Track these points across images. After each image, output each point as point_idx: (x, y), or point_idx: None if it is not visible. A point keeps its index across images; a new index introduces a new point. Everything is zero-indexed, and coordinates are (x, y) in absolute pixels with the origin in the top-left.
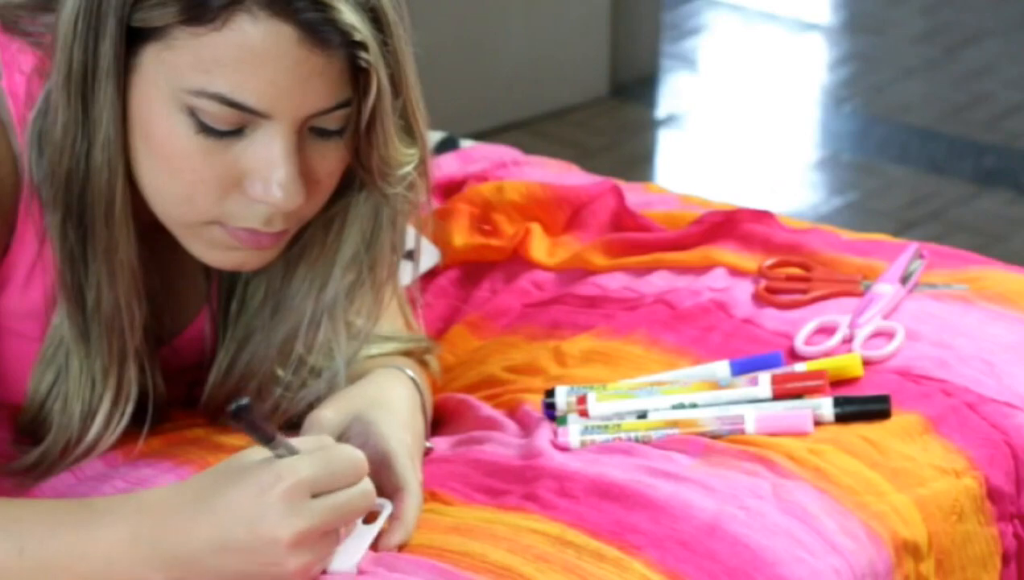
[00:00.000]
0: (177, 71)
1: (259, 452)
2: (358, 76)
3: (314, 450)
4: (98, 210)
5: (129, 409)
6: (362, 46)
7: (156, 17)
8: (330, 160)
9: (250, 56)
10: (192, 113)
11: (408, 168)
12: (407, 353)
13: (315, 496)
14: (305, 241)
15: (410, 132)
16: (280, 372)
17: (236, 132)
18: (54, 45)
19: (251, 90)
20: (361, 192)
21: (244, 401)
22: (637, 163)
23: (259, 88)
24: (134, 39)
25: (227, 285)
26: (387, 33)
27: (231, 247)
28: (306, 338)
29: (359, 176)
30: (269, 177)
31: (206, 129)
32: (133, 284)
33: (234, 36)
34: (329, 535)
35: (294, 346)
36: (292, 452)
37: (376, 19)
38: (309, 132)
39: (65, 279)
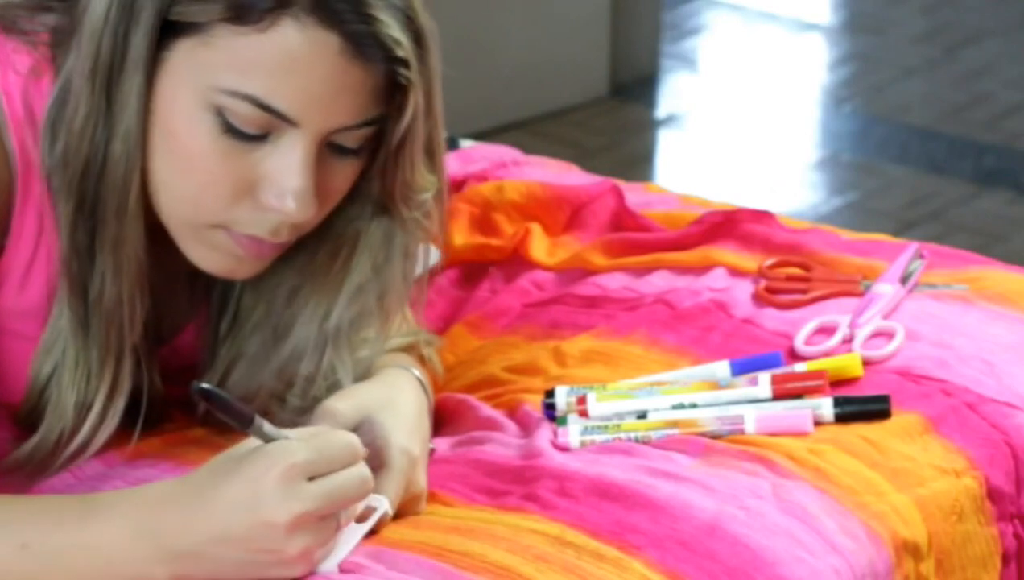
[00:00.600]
0: (211, 69)
1: (253, 442)
2: (393, 95)
3: (308, 436)
4: (111, 202)
5: (122, 403)
6: (403, 62)
7: (198, 12)
8: (341, 178)
9: (290, 61)
10: (219, 113)
11: (427, 194)
12: (408, 348)
13: (311, 480)
14: (313, 268)
15: (432, 157)
16: (281, 390)
17: (260, 137)
18: (78, 33)
19: (284, 96)
20: (372, 220)
21: (207, 385)
22: (637, 163)
23: (292, 94)
24: (167, 32)
25: (219, 301)
26: (426, 53)
27: (230, 253)
28: (309, 363)
29: (376, 198)
30: (284, 186)
31: (231, 130)
32: (138, 279)
33: (277, 39)
34: (328, 520)
35: (296, 369)
36: (278, 436)
37: (418, 38)
38: (327, 147)
39: (71, 269)
